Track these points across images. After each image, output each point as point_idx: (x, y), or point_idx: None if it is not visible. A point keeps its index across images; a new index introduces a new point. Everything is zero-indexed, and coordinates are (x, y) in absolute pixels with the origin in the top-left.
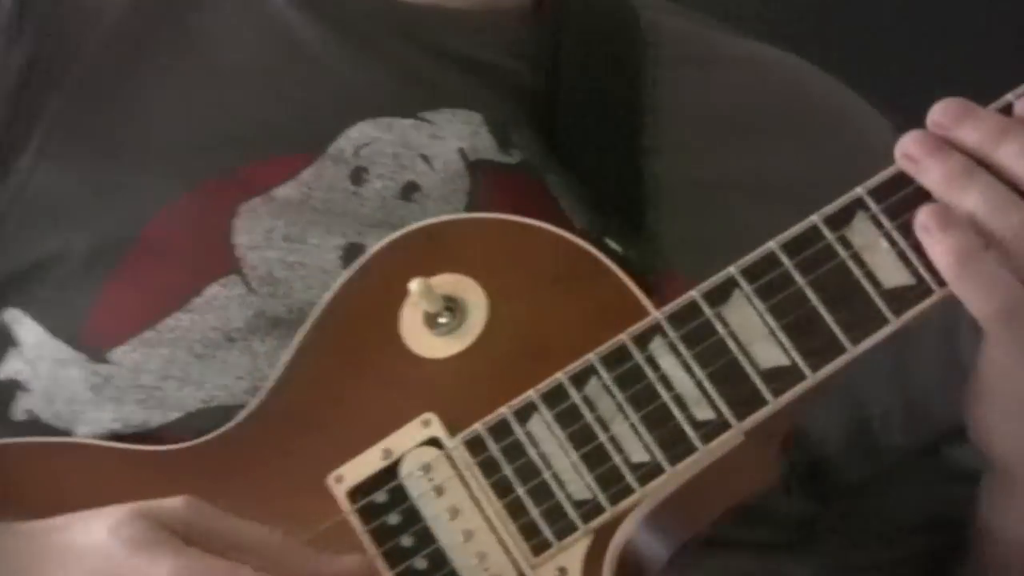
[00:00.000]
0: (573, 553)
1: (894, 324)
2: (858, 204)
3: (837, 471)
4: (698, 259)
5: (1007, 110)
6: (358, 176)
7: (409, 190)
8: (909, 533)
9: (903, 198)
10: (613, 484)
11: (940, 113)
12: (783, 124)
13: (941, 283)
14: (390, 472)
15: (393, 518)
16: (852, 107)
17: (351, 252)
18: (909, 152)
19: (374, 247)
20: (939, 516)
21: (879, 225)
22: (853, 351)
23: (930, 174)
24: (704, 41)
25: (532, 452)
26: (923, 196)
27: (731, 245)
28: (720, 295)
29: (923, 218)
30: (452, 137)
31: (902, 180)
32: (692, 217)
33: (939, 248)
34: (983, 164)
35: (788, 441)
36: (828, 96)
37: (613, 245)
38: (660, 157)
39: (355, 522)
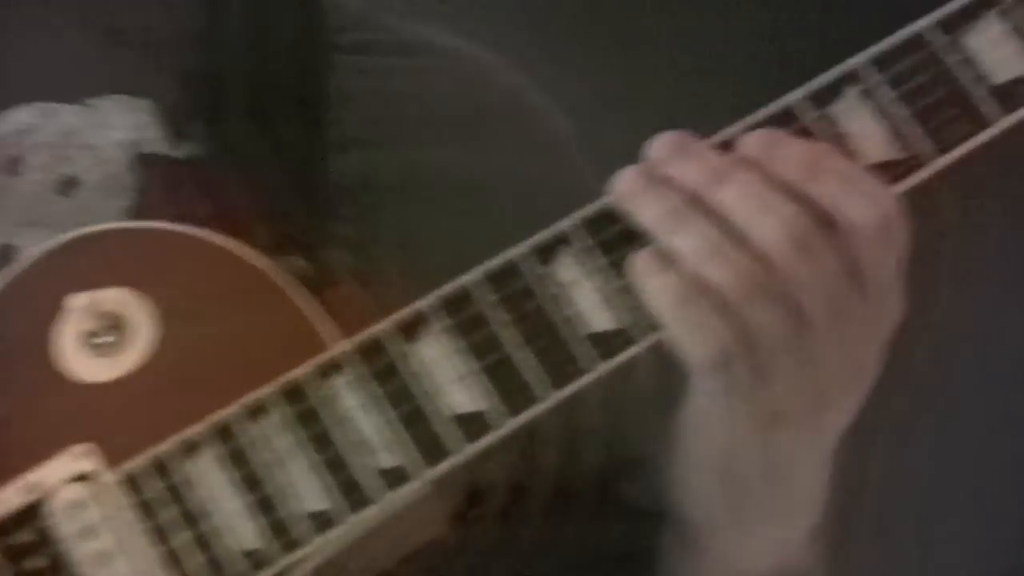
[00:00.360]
0: None
1: (597, 371)
2: (564, 239)
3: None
4: (404, 261)
5: (729, 145)
6: (13, 166)
7: (67, 184)
8: (579, 571)
9: (614, 235)
10: (286, 533)
11: (659, 147)
12: (478, 118)
13: (650, 329)
14: (35, 510)
15: (38, 561)
16: (541, 108)
17: (3, 254)
18: (624, 187)
19: (28, 256)
20: (611, 550)
21: (586, 263)
22: (552, 398)
23: (644, 212)
24: (394, 27)
25: (198, 494)
26: (635, 234)
27: (435, 247)
28: (412, 330)
29: (637, 259)
30: (119, 127)
31: (613, 215)
32: (392, 216)
33: (653, 291)
34: (703, 204)
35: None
36: (517, 95)
37: (299, 261)
38: (350, 153)
39: None
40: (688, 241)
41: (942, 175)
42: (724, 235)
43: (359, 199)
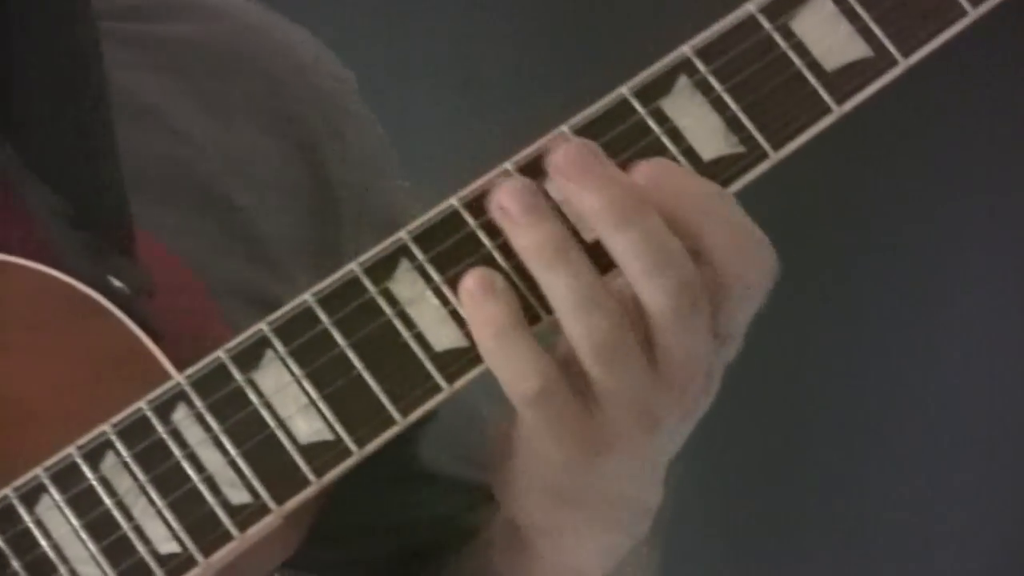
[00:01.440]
0: None
1: (447, 391)
2: (402, 251)
3: None
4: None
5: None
6: None
7: None
8: (360, 534)
9: (453, 245)
10: None
11: (564, 160)
12: (242, 83)
13: None
14: None
15: None
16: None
17: None
18: (504, 204)
19: None
20: (395, 518)
21: (427, 278)
22: (403, 422)
23: (519, 239)
24: None
25: (44, 543)
26: (466, 246)
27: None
28: (251, 357)
29: (468, 281)
30: None
31: (451, 224)
32: (182, 208)
33: (477, 317)
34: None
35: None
36: (306, 51)
37: (115, 282)
38: (127, 141)
39: None
40: (559, 286)
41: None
42: (597, 285)
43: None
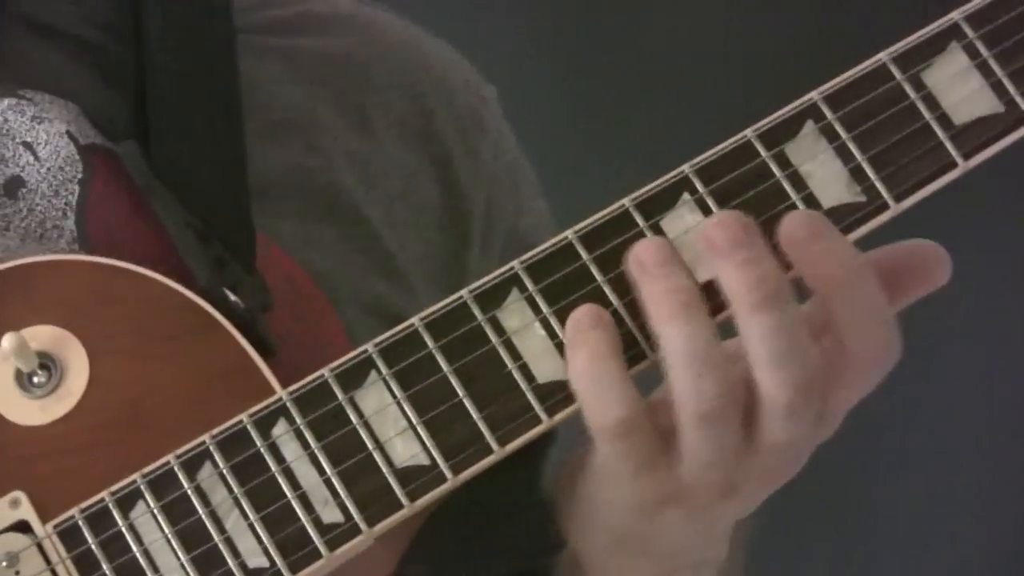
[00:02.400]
0: None
1: (546, 423)
2: (513, 281)
3: None
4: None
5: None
6: None
7: (14, 186)
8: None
9: (564, 278)
10: None
11: (715, 231)
12: (385, 97)
13: None
14: None
15: None
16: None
17: None
18: (642, 258)
19: None
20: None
21: (535, 308)
22: (500, 452)
23: (648, 286)
24: (288, 0)
25: (136, 548)
26: (577, 280)
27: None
28: (355, 376)
29: (578, 312)
30: (56, 119)
31: (563, 256)
32: (308, 219)
33: (576, 340)
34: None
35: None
36: (450, 66)
37: (231, 296)
38: (263, 151)
39: None
40: (677, 337)
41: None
42: (714, 349)
43: (279, 201)
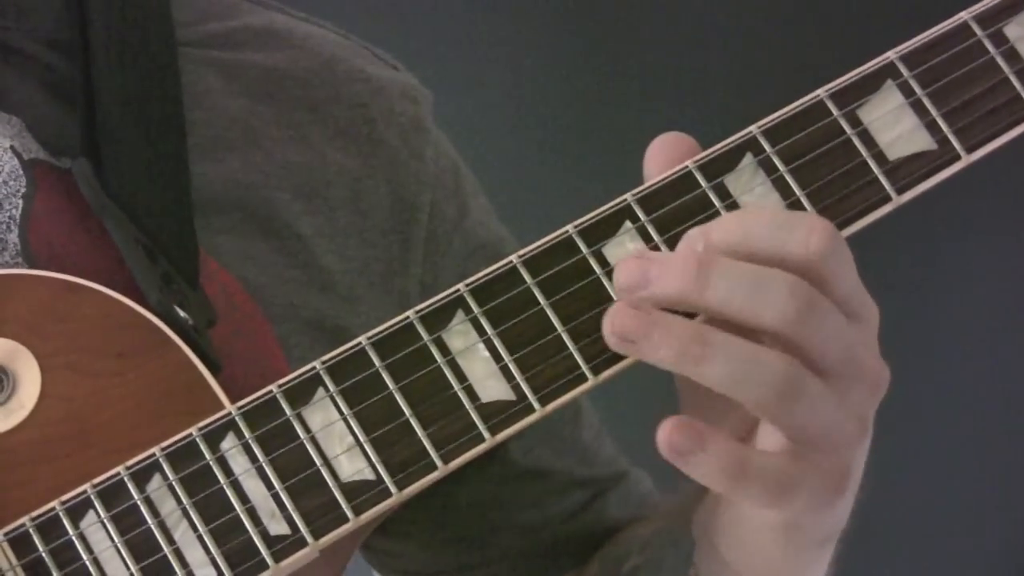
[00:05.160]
0: None
1: (489, 442)
2: (458, 303)
3: None
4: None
5: None
6: None
7: None
8: (492, 534)
9: (508, 301)
10: None
11: (625, 277)
12: (326, 109)
13: (543, 400)
14: None
15: None
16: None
17: None
18: (627, 329)
19: None
20: (518, 516)
21: (479, 330)
22: (443, 469)
23: (657, 353)
24: (226, 14)
25: (86, 556)
26: (521, 304)
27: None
28: (302, 393)
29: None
30: (1, 134)
31: (508, 280)
32: (245, 234)
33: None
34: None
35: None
36: (386, 75)
37: (181, 313)
38: (203, 166)
39: None
40: (716, 370)
41: None
42: (742, 341)
43: (215, 212)
